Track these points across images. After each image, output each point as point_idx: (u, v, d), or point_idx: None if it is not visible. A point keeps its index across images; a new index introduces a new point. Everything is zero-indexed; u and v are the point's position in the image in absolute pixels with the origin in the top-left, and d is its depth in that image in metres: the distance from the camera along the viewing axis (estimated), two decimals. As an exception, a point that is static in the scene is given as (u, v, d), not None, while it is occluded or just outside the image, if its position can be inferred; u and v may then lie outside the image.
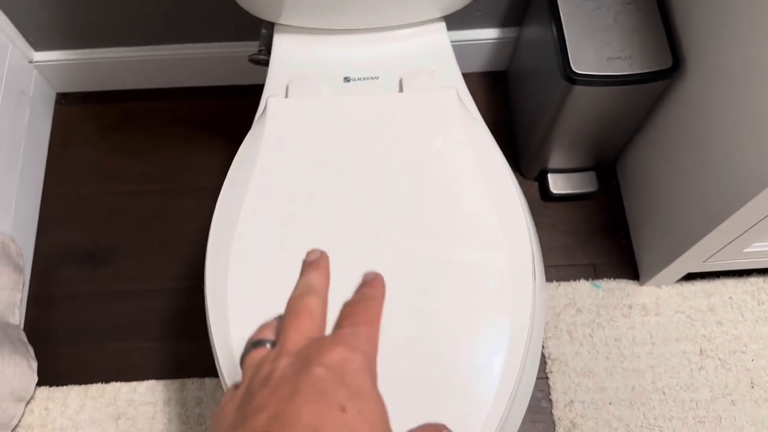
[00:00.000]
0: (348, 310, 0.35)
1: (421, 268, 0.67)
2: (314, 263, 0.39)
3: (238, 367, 0.36)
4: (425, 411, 0.61)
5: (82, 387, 1.08)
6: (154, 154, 1.26)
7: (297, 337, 0.33)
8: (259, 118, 0.77)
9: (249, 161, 0.72)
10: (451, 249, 0.68)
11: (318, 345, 0.32)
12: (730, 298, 1.14)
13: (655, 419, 1.06)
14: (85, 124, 1.29)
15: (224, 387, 0.66)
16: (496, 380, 0.63)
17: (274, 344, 0.34)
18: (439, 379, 0.63)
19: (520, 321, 0.66)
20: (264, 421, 0.28)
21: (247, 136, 0.75)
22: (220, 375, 0.67)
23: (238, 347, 0.64)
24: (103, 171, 1.25)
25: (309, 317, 0.34)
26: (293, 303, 0.35)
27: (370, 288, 0.37)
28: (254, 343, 0.35)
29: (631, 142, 1.15)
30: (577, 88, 0.94)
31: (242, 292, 0.66)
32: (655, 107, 1.05)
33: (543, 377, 1.09)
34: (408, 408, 0.61)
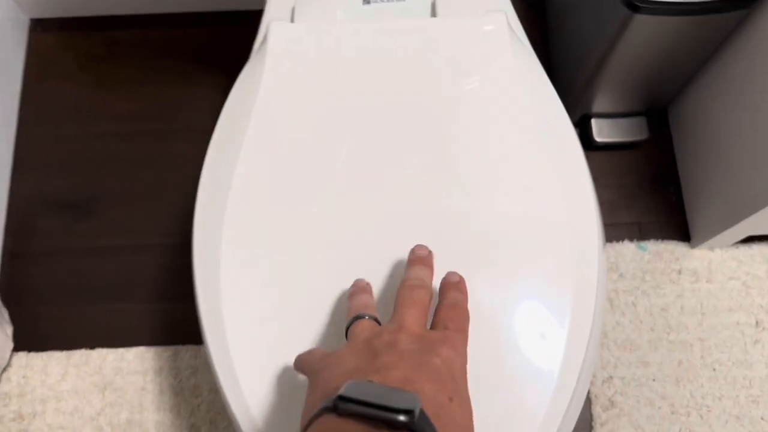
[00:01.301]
0: (449, 312, 0.43)
1: (464, 228, 0.54)
2: (424, 259, 0.47)
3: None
4: (480, 402, 0.49)
5: (64, 353, 0.96)
6: (143, 90, 1.11)
7: (412, 320, 0.41)
8: (258, 47, 0.62)
9: (246, 101, 0.58)
10: (499, 205, 0.55)
11: (433, 337, 0.39)
12: (792, 263, 1.01)
13: (703, 398, 0.95)
14: (63, 55, 1.14)
15: (214, 372, 0.54)
16: (557, 364, 0.51)
17: (375, 319, 0.43)
18: (493, 363, 0.51)
19: (585, 291, 0.53)
20: (397, 379, 0.35)
21: (244, 70, 0.61)
22: (210, 362, 0.55)
23: (235, 346, 0.51)
24: (85, 109, 1.10)
25: (421, 307, 0.42)
26: (408, 292, 0.44)
27: (460, 292, 0.45)
28: (357, 317, 0.43)
29: (689, 82, 1.00)
30: (639, 18, 0.79)
31: (239, 282, 0.53)
32: (725, 42, 0.89)
33: (579, 350, 0.97)
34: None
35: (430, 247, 0.52)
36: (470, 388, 0.48)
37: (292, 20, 0.63)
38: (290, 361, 0.48)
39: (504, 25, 0.59)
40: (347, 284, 0.52)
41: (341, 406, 0.32)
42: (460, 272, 0.52)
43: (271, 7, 0.65)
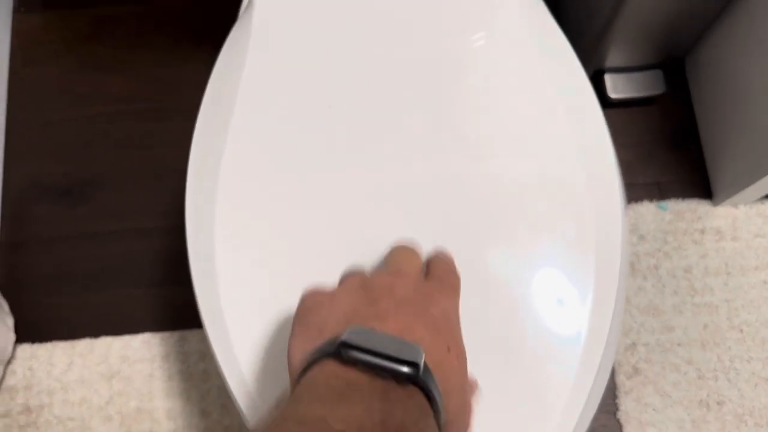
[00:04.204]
0: (442, 268, 0.40)
1: (477, 193, 0.51)
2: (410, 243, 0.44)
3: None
4: (505, 375, 0.46)
5: (69, 343, 0.94)
6: (133, 68, 1.07)
7: (409, 268, 0.39)
8: (244, 11, 0.58)
9: (232, 73, 0.54)
10: (513, 167, 0.52)
11: (430, 286, 0.38)
12: (821, 216, 0.96)
13: (731, 361, 0.91)
14: (49, 35, 1.09)
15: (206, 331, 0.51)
16: (581, 340, 0.48)
17: None
18: (515, 335, 0.47)
19: (608, 254, 0.50)
20: (397, 327, 0.33)
21: (230, 35, 0.57)
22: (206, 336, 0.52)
23: (232, 321, 0.49)
24: (75, 91, 1.06)
25: (416, 262, 0.41)
26: (401, 250, 0.42)
27: (449, 258, 0.42)
28: (352, 272, 0.39)
29: (708, 30, 0.94)
30: (655, -40, 0.73)
31: (234, 265, 0.49)
32: (747, -16, 0.83)
33: (600, 317, 0.93)
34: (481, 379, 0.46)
35: (442, 215, 0.49)
36: (493, 362, 0.46)
37: (279, -21, 0.58)
38: (285, 333, 0.46)
39: (509, -29, 0.54)
40: (347, 258, 0.49)
41: (345, 353, 0.31)
42: (475, 241, 0.49)
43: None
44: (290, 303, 0.49)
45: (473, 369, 0.37)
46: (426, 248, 0.48)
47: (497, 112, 0.52)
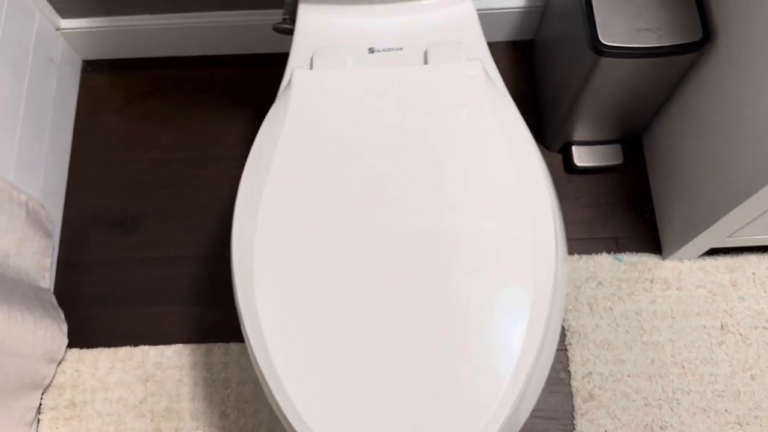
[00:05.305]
0: None
1: (444, 239, 0.69)
2: None
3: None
4: (444, 385, 0.63)
5: (112, 350, 1.11)
6: (182, 122, 1.27)
7: None
8: (283, 90, 0.78)
9: (273, 136, 0.73)
10: (473, 220, 0.69)
11: None
12: (754, 273, 1.14)
13: (673, 392, 1.07)
14: (112, 92, 1.30)
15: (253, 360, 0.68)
16: (515, 353, 0.64)
17: None
18: (457, 352, 0.64)
19: (542, 294, 0.66)
20: None
21: (272, 109, 0.76)
22: (249, 349, 0.68)
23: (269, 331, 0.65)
24: (131, 139, 1.26)
25: None
26: None
27: None
28: None
29: (659, 114, 1.14)
30: (605, 60, 0.93)
31: (269, 275, 0.67)
32: (685, 79, 1.03)
33: (562, 349, 1.09)
34: (427, 382, 0.63)
35: (423, 259, 0.67)
36: (441, 368, 0.63)
37: (311, 67, 0.78)
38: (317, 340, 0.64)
39: (480, 71, 0.74)
40: (358, 280, 0.66)
41: None
42: (436, 271, 0.67)
43: (294, 56, 0.81)
44: (319, 316, 0.66)
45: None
46: (415, 274, 0.66)
47: (468, 180, 0.70)
